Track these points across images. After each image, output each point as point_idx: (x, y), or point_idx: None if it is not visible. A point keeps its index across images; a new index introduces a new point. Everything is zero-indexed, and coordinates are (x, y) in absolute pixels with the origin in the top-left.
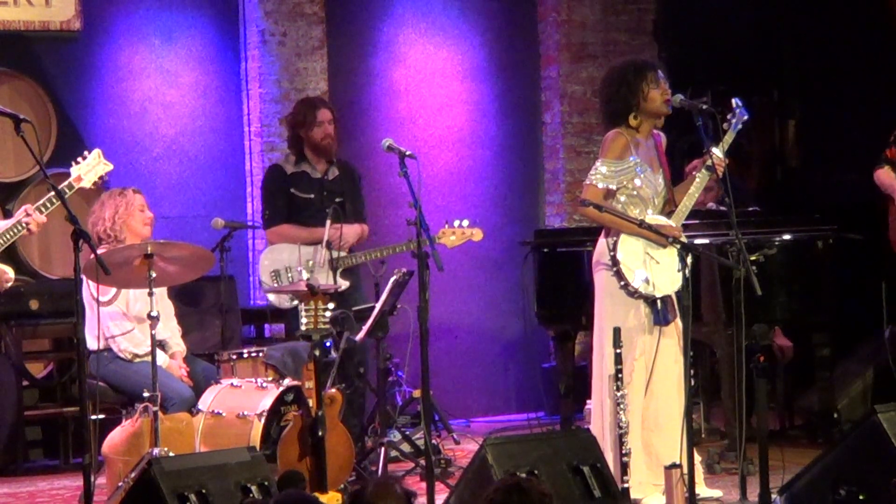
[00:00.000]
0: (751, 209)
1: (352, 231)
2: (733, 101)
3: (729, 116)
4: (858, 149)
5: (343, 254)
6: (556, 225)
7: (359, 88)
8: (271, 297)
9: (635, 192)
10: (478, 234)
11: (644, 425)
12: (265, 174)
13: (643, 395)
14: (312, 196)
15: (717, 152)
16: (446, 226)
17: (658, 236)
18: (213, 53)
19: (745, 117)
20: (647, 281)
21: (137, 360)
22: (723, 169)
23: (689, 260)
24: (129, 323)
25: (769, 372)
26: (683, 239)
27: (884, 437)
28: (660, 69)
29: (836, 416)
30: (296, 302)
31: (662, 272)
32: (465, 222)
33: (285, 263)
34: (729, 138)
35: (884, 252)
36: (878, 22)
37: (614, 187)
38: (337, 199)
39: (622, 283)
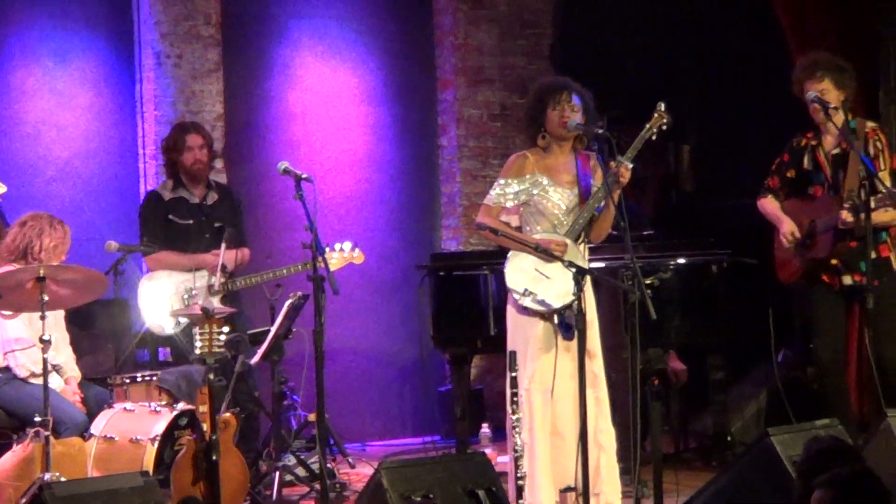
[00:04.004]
0: (646, 233)
1: (235, 255)
2: (658, 104)
3: (648, 123)
4: (752, 174)
5: (222, 279)
6: (452, 248)
7: (255, 111)
8: (149, 324)
9: (537, 209)
10: (359, 258)
11: (552, 445)
12: (142, 201)
13: (547, 415)
14: (191, 222)
15: (625, 160)
16: (327, 249)
17: (552, 258)
18: (108, 75)
19: (665, 121)
20: (533, 297)
21: (33, 379)
22: (627, 177)
23: (584, 283)
24: (30, 339)
25: (663, 395)
26: (574, 254)
27: (776, 459)
28: (574, 90)
29: (729, 438)
30: (178, 329)
31: (552, 288)
32: (347, 245)
33: (164, 290)
34: (639, 142)
35: (775, 277)
36: (774, 49)
37: (510, 205)
38: (216, 224)
39: (514, 301)
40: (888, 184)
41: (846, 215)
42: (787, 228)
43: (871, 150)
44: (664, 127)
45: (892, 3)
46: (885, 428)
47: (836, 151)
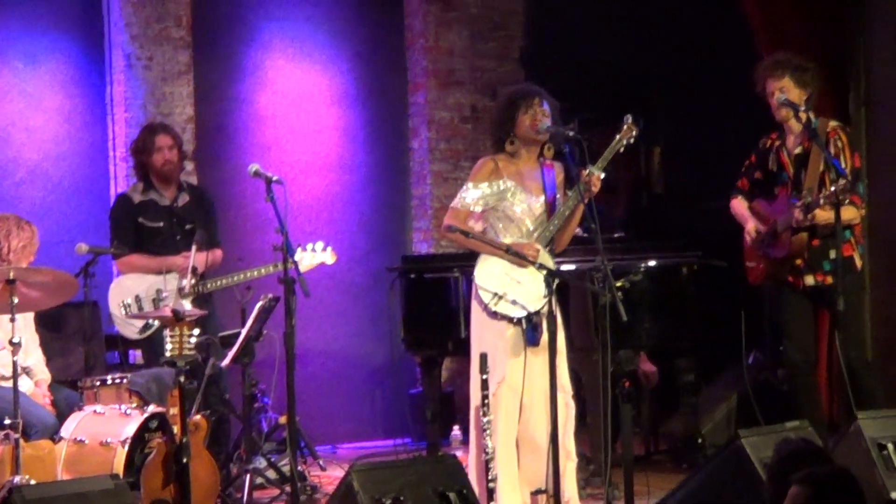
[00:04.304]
0: (616, 235)
1: (206, 257)
2: (625, 116)
3: (618, 135)
4: (723, 176)
5: (192, 281)
6: (422, 251)
7: (226, 113)
8: (119, 326)
9: (504, 214)
10: (331, 257)
11: (521, 449)
12: (113, 204)
13: (517, 419)
14: (162, 224)
15: (595, 170)
16: (299, 249)
17: (524, 262)
18: (78, 77)
19: (634, 133)
20: (504, 301)
21: (3, 382)
22: (598, 186)
23: (554, 286)
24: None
25: (634, 397)
26: (545, 260)
27: (747, 462)
28: (544, 97)
29: (700, 440)
30: (147, 332)
31: (524, 292)
32: (319, 244)
33: (134, 293)
34: (609, 154)
35: (745, 279)
36: (744, 50)
37: (478, 209)
38: (187, 226)
39: (483, 305)
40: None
41: (797, 214)
42: (750, 227)
43: (832, 150)
44: (632, 140)
45: (862, 4)
46: (854, 430)
47: (798, 151)
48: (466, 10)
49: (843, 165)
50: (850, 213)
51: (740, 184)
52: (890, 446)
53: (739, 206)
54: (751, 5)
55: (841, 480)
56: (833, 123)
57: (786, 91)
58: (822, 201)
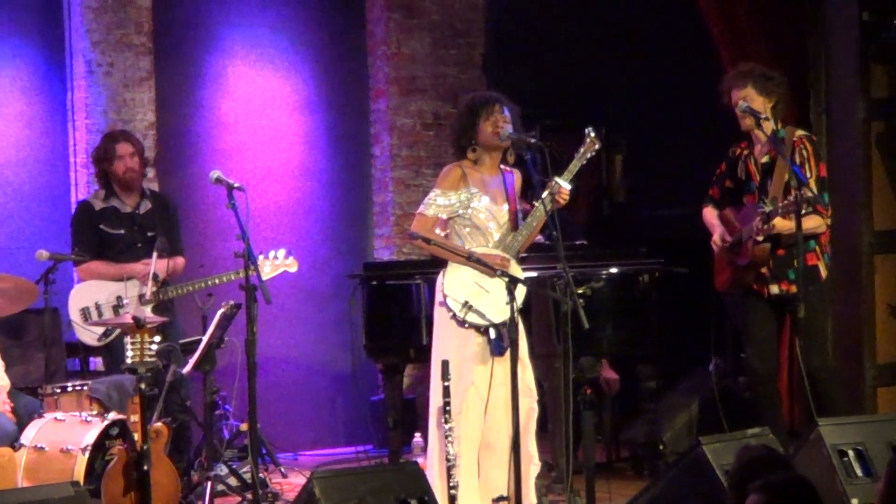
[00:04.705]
0: (578, 243)
1: (167, 264)
2: (586, 130)
3: (581, 147)
4: (684, 184)
5: (153, 288)
6: (384, 258)
7: (187, 120)
8: (79, 334)
9: (470, 222)
10: (293, 265)
11: (482, 456)
12: (74, 211)
13: (480, 427)
14: (123, 231)
15: (563, 182)
16: (261, 257)
17: (486, 268)
18: (39, 83)
19: (597, 146)
20: (473, 310)
21: None
22: (566, 198)
23: (517, 293)
24: None
25: (596, 404)
26: (516, 271)
27: (708, 468)
28: (505, 103)
29: (661, 447)
30: (107, 340)
31: (492, 302)
32: (281, 252)
33: (95, 300)
34: (574, 167)
35: (709, 286)
36: (705, 58)
37: (445, 216)
38: (148, 234)
39: (451, 314)
40: (815, 192)
41: (757, 223)
42: (716, 236)
43: (798, 159)
44: (594, 152)
45: (821, 12)
46: (815, 437)
47: (765, 160)
48: (428, 18)
49: (808, 175)
50: (813, 223)
51: (712, 192)
52: (851, 453)
53: (709, 214)
54: (712, 14)
55: (797, 487)
56: (799, 132)
57: (749, 99)
58: (780, 211)
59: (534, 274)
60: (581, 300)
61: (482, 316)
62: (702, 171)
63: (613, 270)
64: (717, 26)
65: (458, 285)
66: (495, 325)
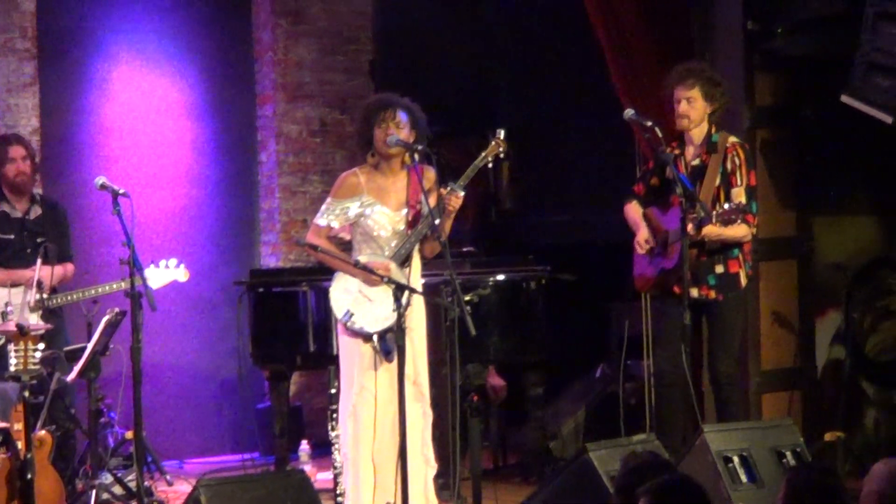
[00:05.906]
0: (465, 249)
1: (56, 271)
2: (497, 130)
3: (483, 151)
4: (570, 191)
5: (38, 295)
6: (271, 265)
7: (72, 125)
8: None
9: (363, 230)
10: (183, 275)
11: (376, 460)
12: None
13: (372, 432)
14: (12, 237)
15: (456, 188)
16: (152, 265)
17: (371, 275)
18: None
19: (502, 149)
20: (353, 317)
21: None
22: (457, 204)
23: (404, 300)
24: None
25: (483, 411)
26: (399, 278)
27: (594, 474)
28: (401, 107)
29: (548, 454)
30: None
31: (373, 309)
32: (173, 261)
33: None
34: (472, 171)
35: (596, 293)
36: (592, 66)
37: (337, 225)
38: (39, 239)
39: (336, 320)
40: (743, 200)
41: (689, 228)
42: (641, 236)
43: (729, 165)
44: (500, 155)
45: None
46: (700, 443)
47: (696, 162)
48: (315, 24)
49: (738, 182)
50: (740, 231)
51: (636, 188)
52: (736, 459)
53: (634, 211)
54: (598, 20)
55: (682, 487)
56: (733, 139)
57: (692, 101)
58: (716, 219)
59: (422, 280)
60: (468, 307)
61: (361, 323)
62: (587, 178)
63: (500, 277)
64: (603, 31)
65: (342, 294)
66: (380, 333)
